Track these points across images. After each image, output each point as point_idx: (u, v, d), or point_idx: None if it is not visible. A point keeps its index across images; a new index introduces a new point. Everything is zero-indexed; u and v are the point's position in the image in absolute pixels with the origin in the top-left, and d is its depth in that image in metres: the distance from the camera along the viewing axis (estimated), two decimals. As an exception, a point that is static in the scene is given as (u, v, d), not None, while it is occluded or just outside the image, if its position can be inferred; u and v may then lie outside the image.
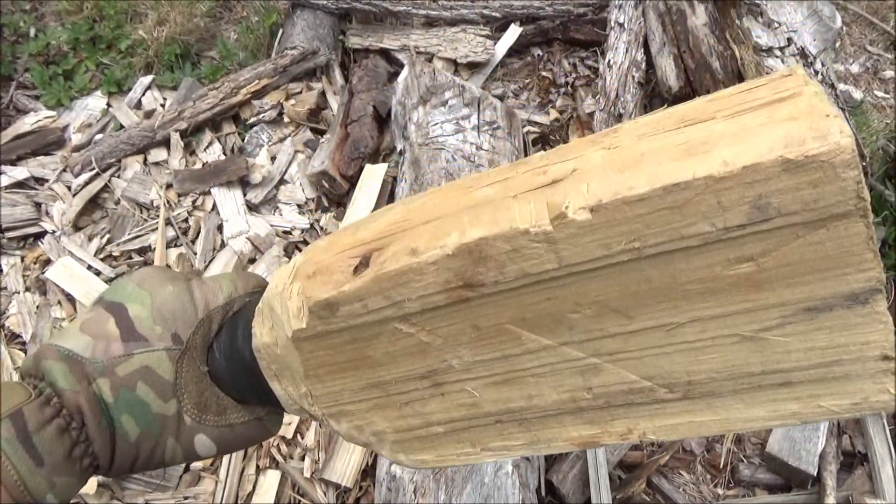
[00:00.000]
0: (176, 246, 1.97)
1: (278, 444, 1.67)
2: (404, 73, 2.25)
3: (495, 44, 2.58)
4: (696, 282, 0.33)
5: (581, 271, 0.34)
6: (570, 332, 0.36)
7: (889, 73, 2.88)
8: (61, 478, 0.42)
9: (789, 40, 2.14)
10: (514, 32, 2.64)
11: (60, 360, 0.44)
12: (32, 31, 2.55)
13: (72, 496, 0.44)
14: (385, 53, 2.56)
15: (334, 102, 2.33)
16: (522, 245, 0.34)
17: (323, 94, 2.33)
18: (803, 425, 0.32)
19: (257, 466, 1.64)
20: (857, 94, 2.65)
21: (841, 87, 2.61)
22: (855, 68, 2.87)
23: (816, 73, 2.14)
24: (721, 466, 1.76)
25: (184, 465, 1.61)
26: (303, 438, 1.70)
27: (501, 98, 2.41)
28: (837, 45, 2.93)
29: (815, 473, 1.69)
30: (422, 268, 0.36)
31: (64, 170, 2.12)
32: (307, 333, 0.41)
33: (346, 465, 1.61)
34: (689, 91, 2.20)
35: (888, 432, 1.77)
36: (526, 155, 2.08)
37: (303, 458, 1.67)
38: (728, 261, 0.32)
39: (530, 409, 0.39)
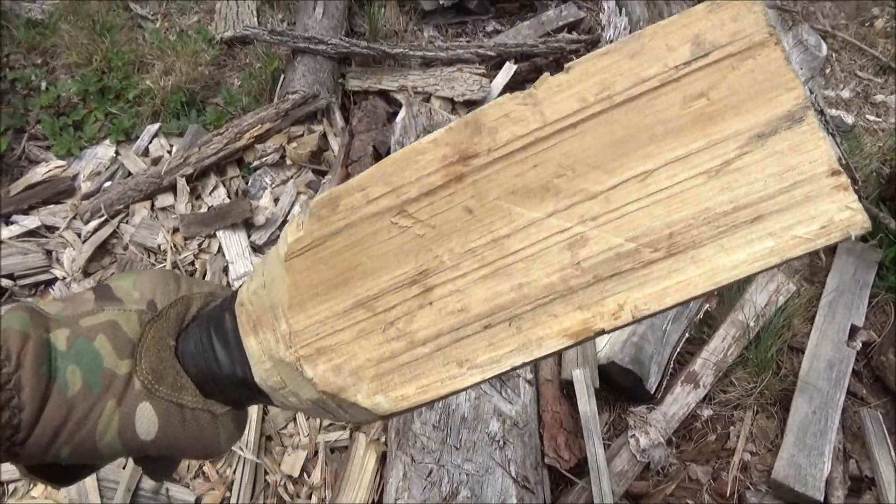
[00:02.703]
0: (183, 288, 2.01)
1: (285, 483, 1.69)
2: (402, 113, 2.31)
3: (491, 82, 2.65)
4: (661, 123, 0.38)
5: (563, 127, 0.39)
6: (556, 200, 0.39)
7: (880, 97, 2.93)
8: None
9: (776, 70, 2.19)
10: (508, 70, 2.71)
11: (24, 310, 0.42)
12: (43, 84, 2.64)
13: None
14: (384, 94, 2.63)
15: (335, 144, 2.39)
16: (511, 109, 0.40)
17: (324, 135, 2.40)
18: (781, 265, 0.34)
19: (265, 506, 1.65)
20: (849, 119, 2.70)
21: (832, 112, 2.66)
22: (846, 93, 2.92)
23: (805, 100, 2.19)
24: (728, 494, 1.76)
25: (192, 507, 1.62)
26: (309, 477, 1.71)
27: (498, 134, 2.46)
28: (828, 71, 2.99)
29: (822, 499, 1.68)
30: (423, 147, 0.41)
31: (74, 217, 2.18)
32: (303, 243, 0.43)
33: (352, 501, 1.62)
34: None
35: (894, 455, 1.77)
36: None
37: (310, 497, 1.68)
38: (683, 99, 0.38)
39: (521, 302, 0.39)
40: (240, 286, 0.49)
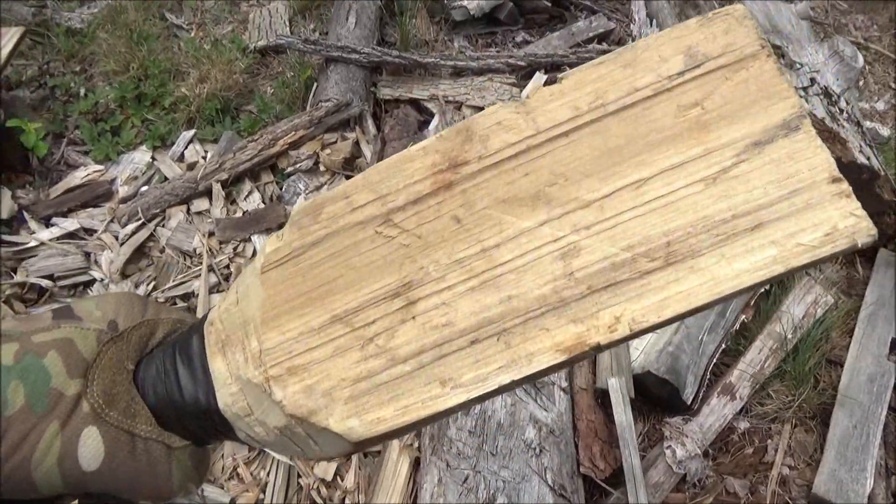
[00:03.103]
0: (218, 292, 2.03)
1: (318, 487, 1.68)
2: (434, 121, 2.33)
3: (521, 91, 2.66)
4: (655, 132, 0.38)
5: (556, 135, 0.39)
6: (548, 208, 0.38)
7: (915, 110, 2.89)
8: None
9: (812, 80, 2.17)
10: (538, 80, 2.72)
11: None
12: (82, 91, 2.70)
13: None
14: (415, 103, 2.65)
15: (368, 151, 2.41)
16: (504, 117, 0.40)
17: (357, 143, 2.42)
18: (786, 274, 0.34)
19: (298, 510, 1.65)
20: (885, 131, 2.66)
21: (868, 124, 2.63)
22: (881, 105, 2.89)
23: (841, 111, 2.17)
24: (766, 509, 1.73)
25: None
26: (342, 480, 1.71)
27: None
28: (861, 83, 2.96)
29: (865, 515, 1.64)
30: (412, 154, 0.40)
31: (112, 220, 2.21)
32: (281, 254, 0.40)
33: (385, 507, 1.62)
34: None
35: (939, 472, 1.72)
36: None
37: (343, 501, 1.68)
38: (678, 108, 0.38)
39: (510, 315, 0.37)
40: (211, 309, 0.45)
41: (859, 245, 0.34)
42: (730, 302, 1.94)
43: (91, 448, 0.39)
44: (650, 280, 0.36)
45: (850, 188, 0.35)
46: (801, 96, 2.11)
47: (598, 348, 0.36)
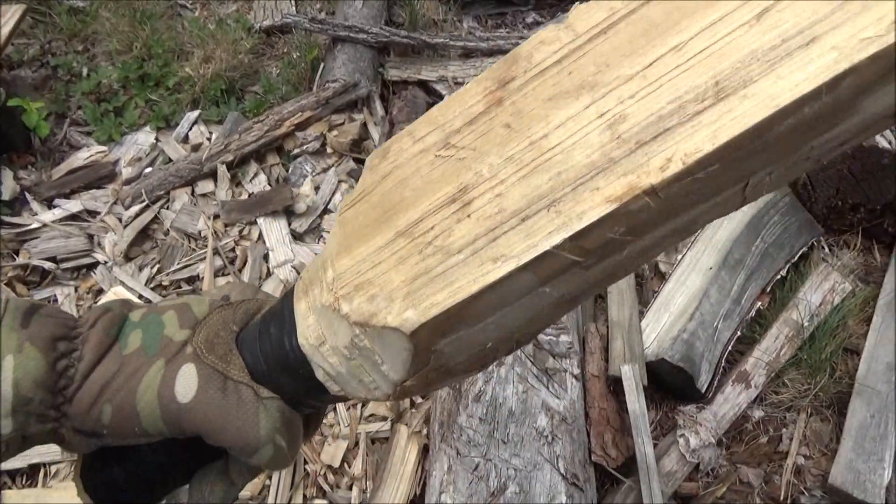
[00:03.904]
0: (223, 275, 2.00)
1: (325, 474, 1.66)
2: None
3: (532, 73, 2.61)
4: (692, 0, 0.36)
5: (595, 34, 0.39)
6: (592, 92, 0.37)
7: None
8: (32, 347, 0.40)
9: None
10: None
11: (120, 300, 0.48)
12: (85, 71, 2.65)
13: (31, 396, 0.40)
14: (423, 84, 2.60)
15: (375, 133, 2.36)
16: (545, 37, 0.41)
17: (364, 125, 2.37)
18: (851, 72, 0.30)
19: (304, 496, 1.63)
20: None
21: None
22: None
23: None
24: (781, 499, 1.70)
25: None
26: (350, 467, 1.68)
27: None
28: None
29: (883, 506, 1.61)
30: (467, 88, 0.42)
31: (115, 202, 2.18)
32: (355, 194, 0.44)
33: (394, 494, 1.59)
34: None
35: (959, 463, 1.69)
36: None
37: (350, 488, 1.65)
38: None
39: (560, 187, 0.36)
40: None
41: None
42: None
43: (187, 380, 0.42)
44: (701, 119, 0.33)
45: None
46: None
47: (654, 192, 0.33)
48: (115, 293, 1.87)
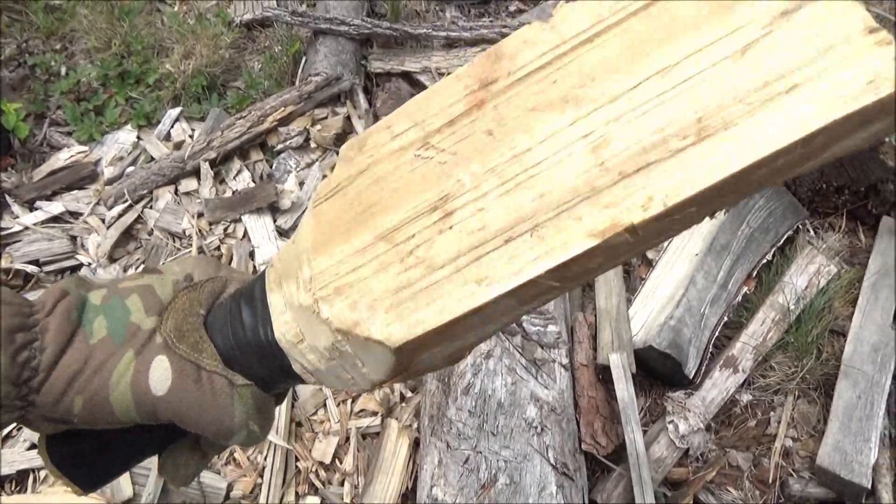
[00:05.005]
0: (209, 274, 1.99)
1: (317, 470, 1.66)
2: (428, 94, 2.26)
3: (516, 62, 2.59)
4: (678, 21, 0.36)
5: (581, 42, 0.39)
6: (577, 108, 0.37)
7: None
8: None
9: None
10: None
11: (73, 278, 0.46)
12: (63, 70, 2.62)
13: None
14: (407, 76, 2.58)
15: (360, 126, 2.35)
16: (530, 36, 0.40)
17: (348, 118, 2.35)
18: (827, 128, 0.31)
19: (296, 493, 1.63)
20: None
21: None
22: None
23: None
24: (770, 482, 1.71)
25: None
26: (341, 463, 1.68)
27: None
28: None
29: (870, 486, 1.63)
30: (447, 82, 0.41)
31: (97, 203, 2.16)
32: (330, 186, 0.44)
33: (385, 489, 1.59)
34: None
35: (944, 441, 1.71)
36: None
37: (342, 484, 1.65)
38: None
39: (543, 210, 0.36)
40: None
41: None
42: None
43: (160, 374, 0.42)
44: (682, 157, 0.34)
45: (891, 37, 0.32)
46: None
47: (634, 230, 0.34)
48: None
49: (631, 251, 0.36)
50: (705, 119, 0.34)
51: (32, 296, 1.94)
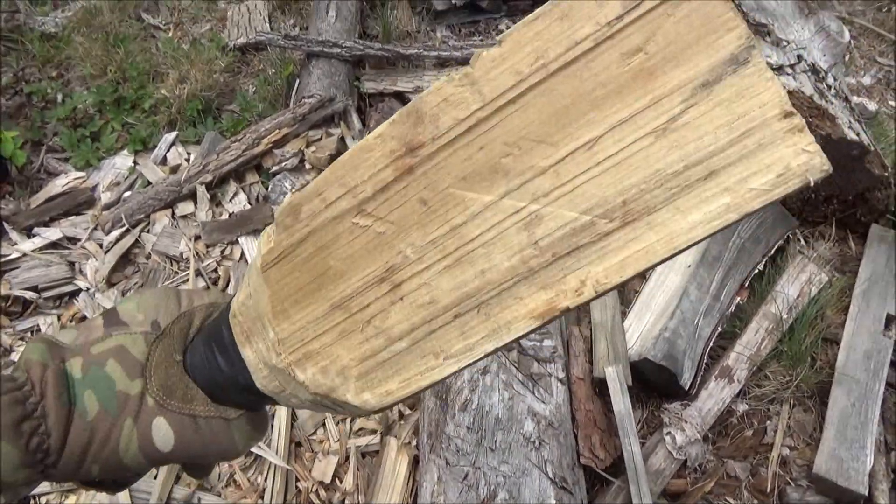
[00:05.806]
0: (206, 296, 2.00)
1: (317, 490, 1.67)
2: (420, 113, 2.29)
3: (507, 79, 2.63)
4: (601, 86, 0.36)
5: (503, 104, 0.38)
6: (507, 180, 0.38)
7: (902, 83, 2.88)
8: (4, 444, 0.40)
9: (799, 57, 2.15)
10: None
11: (42, 342, 0.47)
12: (59, 97, 2.65)
13: (15, 479, 0.41)
14: (399, 96, 2.62)
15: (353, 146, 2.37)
16: (450, 93, 0.39)
17: (342, 139, 2.38)
18: (740, 220, 0.35)
19: (297, 513, 1.63)
20: (872, 106, 2.65)
21: (855, 99, 2.62)
22: (867, 80, 2.87)
23: (829, 87, 2.15)
24: (768, 491, 1.72)
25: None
26: (341, 482, 1.69)
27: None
28: (847, 58, 2.94)
29: (867, 493, 1.64)
30: (370, 144, 0.41)
31: (95, 228, 2.17)
32: (274, 254, 0.44)
33: (386, 507, 1.60)
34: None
35: (938, 446, 1.72)
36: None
37: (342, 503, 1.66)
38: (621, 56, 0.36)
39: (486, 288, 0.39)
40: (234, 296, 0.50)
41: (811, 183, 0.33)
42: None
43: (162, 434, 0.46)
44: (609, 241, 0.37)
45: (803, 121, 0.34)
46: (788, 73, 2.09)
47: (567, 311, 0.38)
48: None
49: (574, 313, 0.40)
50: (629, 202, 0.36)
51: (30, 322, 1.95)
